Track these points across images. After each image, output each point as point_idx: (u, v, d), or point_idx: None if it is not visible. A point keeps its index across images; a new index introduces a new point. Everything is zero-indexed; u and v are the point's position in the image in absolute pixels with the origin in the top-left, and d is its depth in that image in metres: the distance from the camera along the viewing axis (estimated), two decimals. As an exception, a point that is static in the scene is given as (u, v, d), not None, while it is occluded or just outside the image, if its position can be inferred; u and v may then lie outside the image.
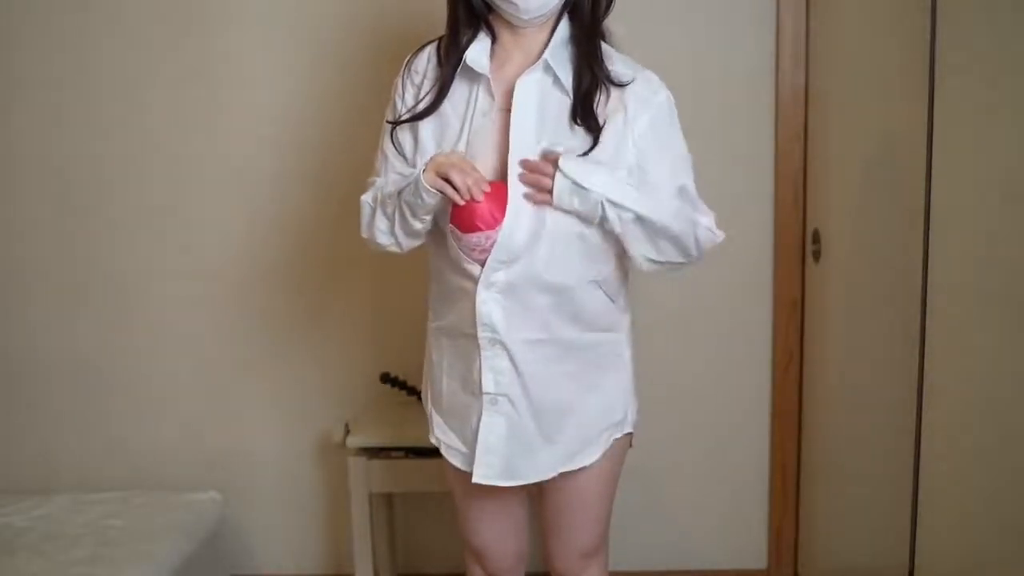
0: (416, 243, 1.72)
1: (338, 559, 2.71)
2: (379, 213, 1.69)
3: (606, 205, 1.58)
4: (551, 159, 1.57)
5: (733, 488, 2.67)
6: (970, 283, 1.58)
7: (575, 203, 1.58)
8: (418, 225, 1.65)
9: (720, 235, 1.72)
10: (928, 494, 1.73)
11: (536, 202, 1.58)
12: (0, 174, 2.59)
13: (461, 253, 1.61)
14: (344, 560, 2.65)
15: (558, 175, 1.56)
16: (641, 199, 1.60)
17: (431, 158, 1.60)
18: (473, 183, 1.54)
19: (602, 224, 1.61)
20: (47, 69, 2.53)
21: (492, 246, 1.57)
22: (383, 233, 1.71)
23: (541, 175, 1.57)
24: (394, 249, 1.73)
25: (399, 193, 1.64)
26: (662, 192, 1.64)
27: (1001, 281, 1.48)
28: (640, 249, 1.64)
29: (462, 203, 1.55)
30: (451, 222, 1.59)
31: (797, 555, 2.67)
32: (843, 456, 2.26)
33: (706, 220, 1.70)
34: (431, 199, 1.59)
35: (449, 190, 1.55)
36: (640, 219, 1.60)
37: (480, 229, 1.56)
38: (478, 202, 1.55)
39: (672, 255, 1.66)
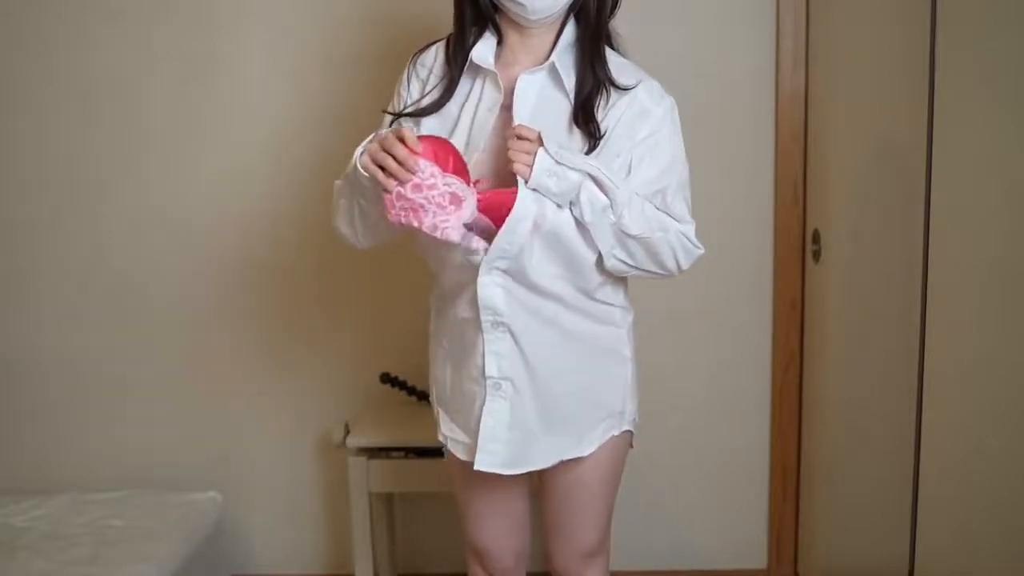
0: (374, 237, 1.69)
1: (338, 559, 2.71)
2: (342, 200, 1.67)
3: (582, 186, 1.54)
4: (534, 136, 1.53)
5: (733, 488, 2.68)
6: (970, 283, 1.58)
7: (551, 183, 1.53)
8: (375, 215, 1.61)
9: (700, 248, 1.66)
10: (928, 494, 1.73)
11: (514, 172, 1.53)
12: None
13: (462, 245, 1.56)
14: (344, 560, 2.64)
15: (540, 150, 1.52)
16: (618, 191, 1.55)
17: (370, 138, 1.54)
18: (399, 164, 1.46)
19: (572, 210, 1.56)
20: (46, 69, 2.53)
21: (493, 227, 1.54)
22: (344, 222, 1.69)
23: (526, 151, 1.53)
24: (352, 241, 1.71)
25: (345, 176, 1.61)
26: (640, 193, 1.61)
27: (1001, 281, 1.48)
28: (608, 247, 1.59)
29: (392, 191, 1.47)
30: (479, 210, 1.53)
31: (797, 555, 2.67)
32: (843, 456, 2.26)
33: (681, 226, 1.63)
34: (368, 183, 1.54)
35: (380, 176, 1.49)
36: (613, 207, 1.55)
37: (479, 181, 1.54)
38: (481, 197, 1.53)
39: (645, 262, 1.63)
